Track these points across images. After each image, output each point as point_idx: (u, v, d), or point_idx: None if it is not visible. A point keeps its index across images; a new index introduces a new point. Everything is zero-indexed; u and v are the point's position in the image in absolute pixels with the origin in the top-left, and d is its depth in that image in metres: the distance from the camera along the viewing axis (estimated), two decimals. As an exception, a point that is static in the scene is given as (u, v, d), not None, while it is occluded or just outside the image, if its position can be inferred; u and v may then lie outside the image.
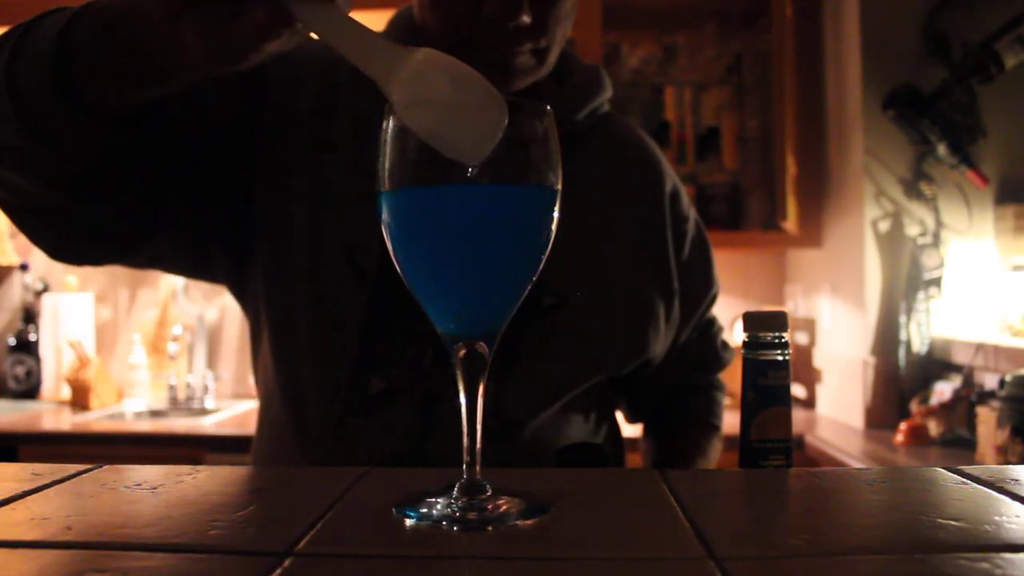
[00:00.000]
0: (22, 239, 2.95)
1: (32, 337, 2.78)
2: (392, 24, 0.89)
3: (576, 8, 0.83)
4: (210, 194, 0.80)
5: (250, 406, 2.64)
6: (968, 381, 1.89)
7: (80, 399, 2.55)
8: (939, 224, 2.07)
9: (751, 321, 0.60)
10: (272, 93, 0.82)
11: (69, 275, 2.87)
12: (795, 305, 2.64)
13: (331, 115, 0.83)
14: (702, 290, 0.98)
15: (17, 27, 0.60)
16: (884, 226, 2.12)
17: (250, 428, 2.35)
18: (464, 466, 0.48)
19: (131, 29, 0.55)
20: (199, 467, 0.57)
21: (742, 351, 0.62)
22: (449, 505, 0.46)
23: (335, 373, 0.79)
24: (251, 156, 0.82)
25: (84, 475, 0.56)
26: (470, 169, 0.44)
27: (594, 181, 0.88)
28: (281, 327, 0.82)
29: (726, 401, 1.06)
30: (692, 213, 0.98)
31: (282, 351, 0.82)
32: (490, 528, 0.45)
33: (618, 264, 0.88)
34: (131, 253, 0.77)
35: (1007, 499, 0.49)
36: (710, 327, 1.02)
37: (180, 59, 0.54)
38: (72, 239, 0.73)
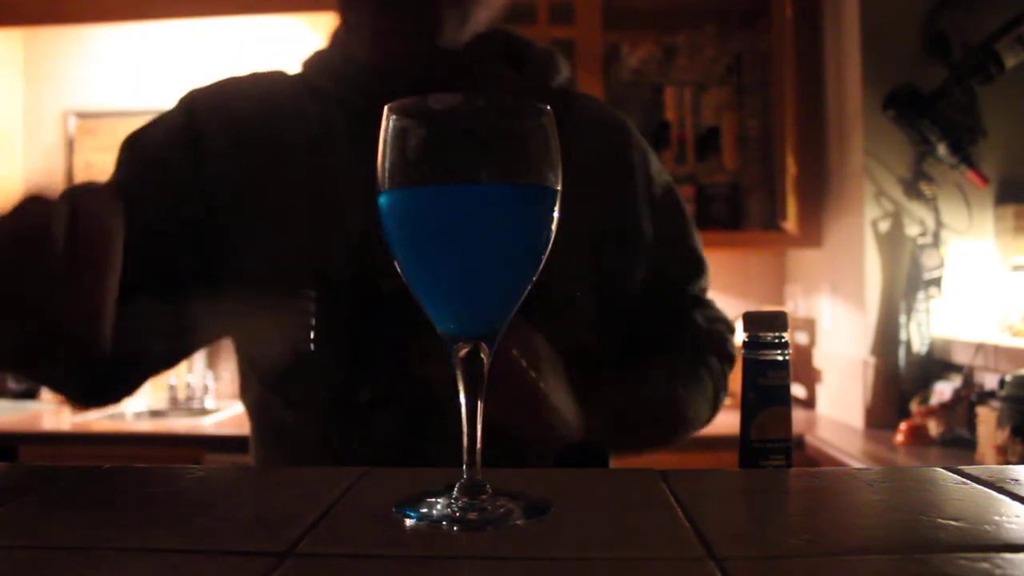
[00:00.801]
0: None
1: (32, 337, 2.78)
2: (308, 65, 0.89)
3: None
4: (185, 272, 0.82)
5: (250, 406, 2.64)
6: (968, 381, 1.89)
7: (80, 399, 2.55)
8: (939, 224, 2.07)
9: (751, 321, 0.60)
10: (210, 145, 0.83)
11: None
12: (795, 305, 2.64)
13: (280, 142, 0.84)
14: (682, 262, 0.95)
15: None
16: (884, 226, 2.12)
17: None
18: (464, 466, 0.48)
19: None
20: (199, 467, 0.57)
21: (742, 351, 0.62)
22: (449, 505, 0.46)
23: (324, 384, 0.80)
24: (211, 207, 0.82)
25: (84, 475, 0.56)
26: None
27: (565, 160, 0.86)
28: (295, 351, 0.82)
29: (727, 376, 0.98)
30: (665, 178, 0.96)
31: (287, 371, 0.83)
32: (490, 528, 0.45)
33: (585, 241, 0.86)
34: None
35: (1007, 499, 0.49)
36: (707, 308, 0.96)
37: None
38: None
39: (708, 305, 0.97)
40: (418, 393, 0.78)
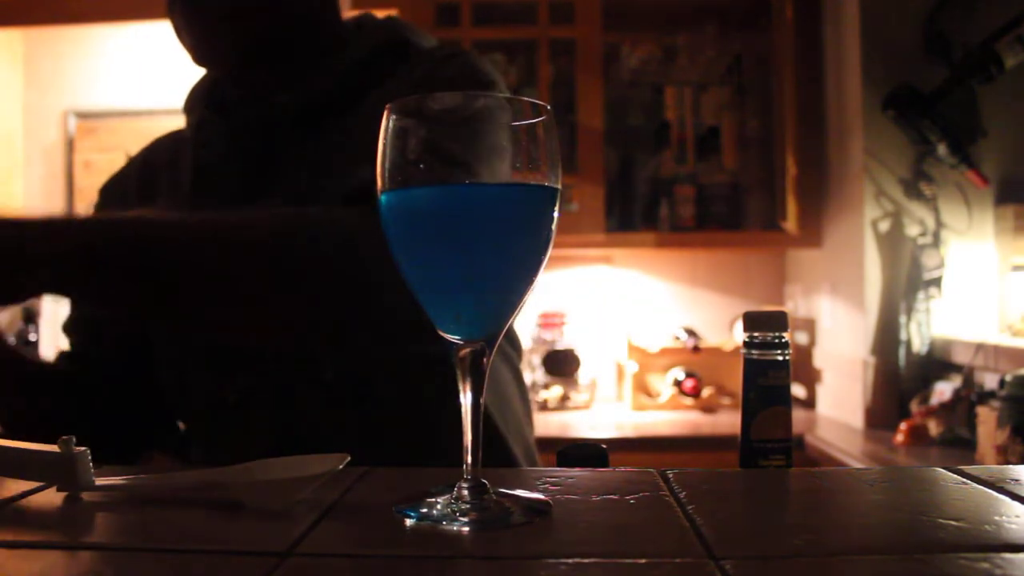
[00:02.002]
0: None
1: (32, 337, 2.78)
2: (194, 91, 0.98)
3: None
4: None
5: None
6: (968, 381, 1.89)
7: (80, 399, 2.55)
8: (939, 224, 2.07)
9: (751, 321, 0.60)
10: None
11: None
12: (795, 305, 2.64)
13: (150, 194, 0.95)
14: None
15: None
16: (884, 226, 2.12)
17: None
18: (464, 466, 0.48)
19: None
20: (199, 466, 0.57)
21: (742, 351, 0.62)
22: (449, 505, 0.46)
23: (199, 394, 0.89)
24: None
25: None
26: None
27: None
28: (164, 369, 0.93)
29: None
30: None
31: (166, 386, 0.93)
32: (490, 528, 0.45)
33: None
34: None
35: (1007, 499, 0.49)
36: None
37: None
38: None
39: None
40: (280, 384, 0.85)
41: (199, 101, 0.95)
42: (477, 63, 0.87)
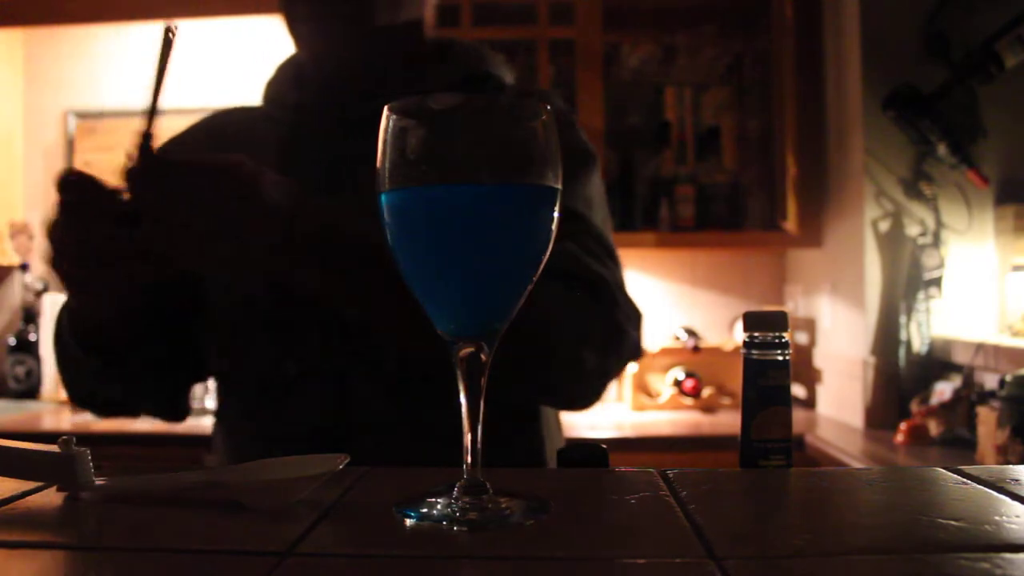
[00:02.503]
0: (22, 239, 2.91)
1: (32, 337, 2.78)
2: (280, 68, 1.00)
3: None
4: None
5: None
6: (968, 381, 1.89)
7: (80, 399, 2.55)
8: (939, 224, 2.07)
9: (751, 321, 0.60)
10: None
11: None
12: (795, 305, 2.64)
13: None
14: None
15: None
16: (884, 226, 2.12)
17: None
18: (464, 466, 0.48)
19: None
20: (199, 467, 0.57)
21: (742, 351, 0.62)
22: (449, 505, 0.46)
23: (257, 364, 0.89)
24: None
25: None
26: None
27: None
28: (221, 334, 0.93)
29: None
30: (582, 147, 0.94)
31: (221, 352, 0.93)
32: (490, 528, 0.45)
33: None
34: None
35: (1007, 499, 0.49)
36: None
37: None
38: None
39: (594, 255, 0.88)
40: (337, 364, 0.86)
41: (287, 87, 0.97)
42: (557, 103, 0.94)
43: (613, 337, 0.84)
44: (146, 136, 0.69)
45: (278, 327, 0.87)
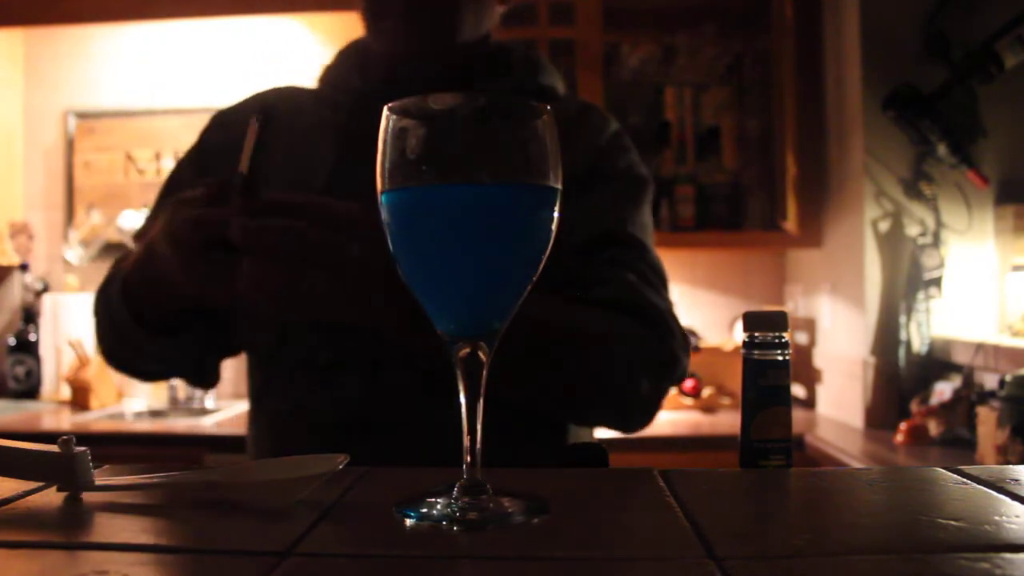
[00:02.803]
0: (22, 239, 2.91)
1: (32, 337, 2.78)
2: (342, 53, 1.01)
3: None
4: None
5: (250, 406, 2.64)
6: (968, 381, 1.89)
7: (80, 399, 2.55)
8: (939, 224, 2.07)
9: (751, 321, 0.60)
10: (208, 158, 0.97)
11: (69, 275, 2.87)
12: (795, 305, 2.64)
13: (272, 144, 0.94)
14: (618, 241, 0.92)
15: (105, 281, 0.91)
16: (884, 226, 2.12)
17: (250, 428, 2.35)
18: (464, 466, 0.48)
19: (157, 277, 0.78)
20: (199, 467, 0.57)
21: (742, 351, 0.62)
22: (449, 505, 0.46)
23: (294, 350, 0.89)
24: None
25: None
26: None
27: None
28: (257, 320, 0.93)
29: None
30: (632, 171, 0.95)
31: (253, 341, 0.95)
32: (490, 528, 0.45)
33: None
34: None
35: (1007, 499, 0.49)
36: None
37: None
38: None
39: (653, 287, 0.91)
40: (371, 354, 0.86)
41: (350, 73, 0.97)
42: (615, 126, 0.97)
43: (667, 366, 0.90)
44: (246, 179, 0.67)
45: (316, 323, 0.87)
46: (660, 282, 0.92)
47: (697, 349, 2.48)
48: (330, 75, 0.99)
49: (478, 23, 0.92)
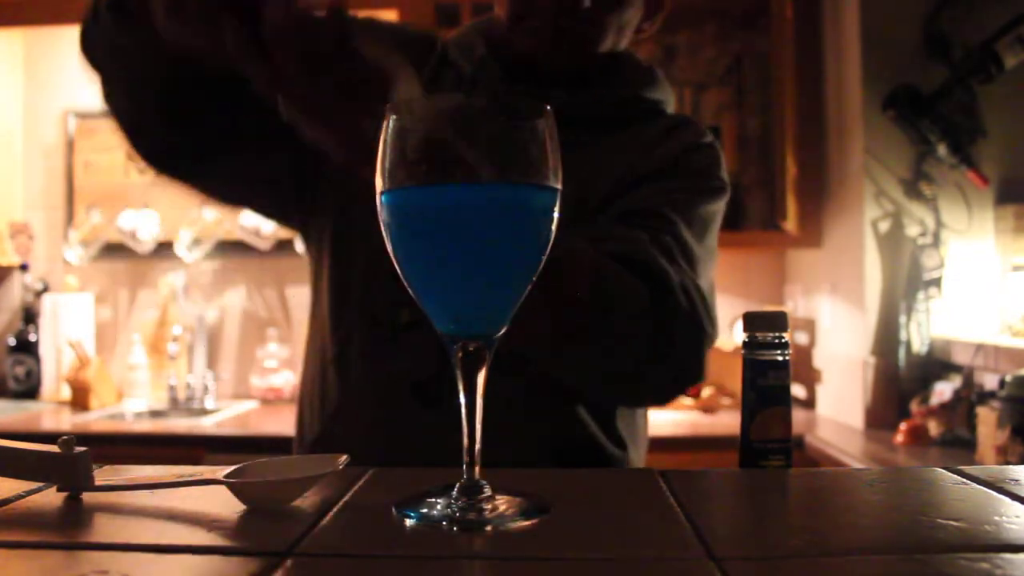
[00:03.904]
0: (22, 239, 2.91)
1: (32, 337, 2.78)
2: (471, 28, 1.01)
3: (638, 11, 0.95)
4: (282, 135, 0.75)
5: (250, 406, 2.64)
6: (968, 381, 1.89)
7: (80, 399, 2.55)
8: (939, 224, 2.07)
9: (751, 321, 0.60)
10: None
11: (69, 275, 2.87)
12: (795, 305, 2.64)
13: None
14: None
15: None
16: (884, 226, 2.12)
17: (250, 428, 2.35)
18: (464, 466, 0.48)
19: None
20: (199, 468, 0.57)
21: (742, 351, 0.62)
22: (449, 505, 0.46)
23: (373, 308, 0.90)
24: None
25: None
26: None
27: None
28: (339, 267, 0.94)
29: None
30: (703, 181, 0.94)
31: (336, 287, 0.94)
32: (490, 528, 0.45)
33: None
34: (208, 161, 0.86)
35: (1007, 499, 0.49)
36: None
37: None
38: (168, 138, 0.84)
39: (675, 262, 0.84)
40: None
41: (476, 41, 0.97)
42: (709, 138, 0.98)
43: (659, 342, 0.78)
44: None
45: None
46: (685, 257, 0.84)
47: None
48: (457, 37, 1.00)
49: (618, 41, 0.95)
